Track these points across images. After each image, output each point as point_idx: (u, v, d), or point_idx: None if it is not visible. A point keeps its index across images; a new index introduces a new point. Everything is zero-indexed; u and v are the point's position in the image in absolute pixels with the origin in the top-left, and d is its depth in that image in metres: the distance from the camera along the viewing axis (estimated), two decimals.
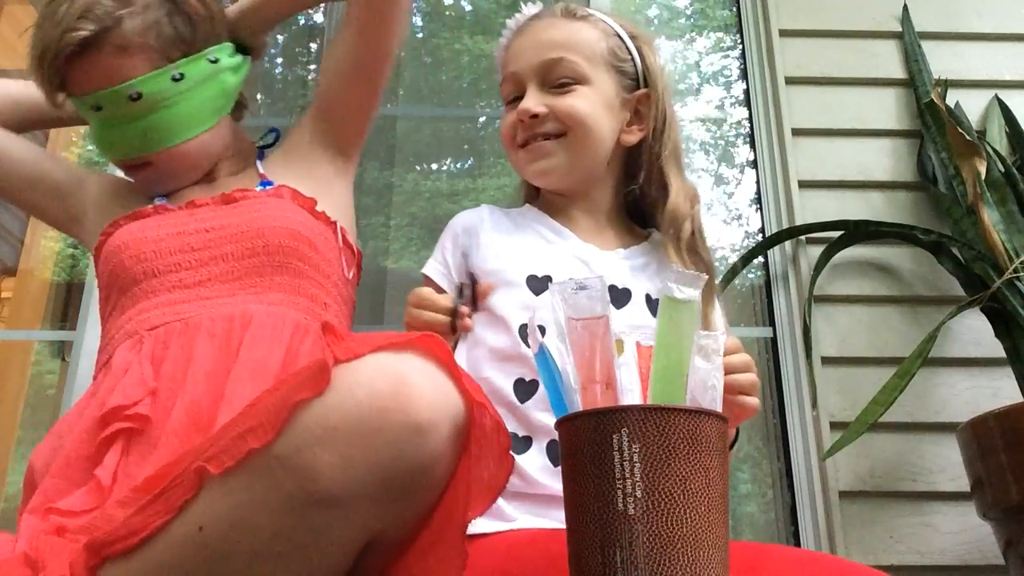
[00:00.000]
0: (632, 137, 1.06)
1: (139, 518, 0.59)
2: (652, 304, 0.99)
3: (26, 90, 1.14)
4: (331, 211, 1.07)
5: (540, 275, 0.98)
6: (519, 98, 1.04)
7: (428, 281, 1.05)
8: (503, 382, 0.92)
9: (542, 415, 0.91)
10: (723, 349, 0.63)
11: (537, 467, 0.88)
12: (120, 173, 1.15)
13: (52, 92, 1.02)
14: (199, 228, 1.01)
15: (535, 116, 1.02)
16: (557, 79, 1.03)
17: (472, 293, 0.93)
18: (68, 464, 0.87)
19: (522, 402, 0.92)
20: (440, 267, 1.05)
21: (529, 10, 1.10)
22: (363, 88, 1.12)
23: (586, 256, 1.02)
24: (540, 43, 1.04)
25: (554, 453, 0.90)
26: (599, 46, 1.05)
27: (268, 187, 1.06)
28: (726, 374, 0.69)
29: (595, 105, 1.03)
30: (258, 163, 1.13)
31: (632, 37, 1.08)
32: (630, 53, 1.07)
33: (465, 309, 0.89)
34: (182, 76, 1.03)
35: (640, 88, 1.07)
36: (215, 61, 1.07)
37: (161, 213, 1.05)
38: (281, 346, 0.93)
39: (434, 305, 0.89)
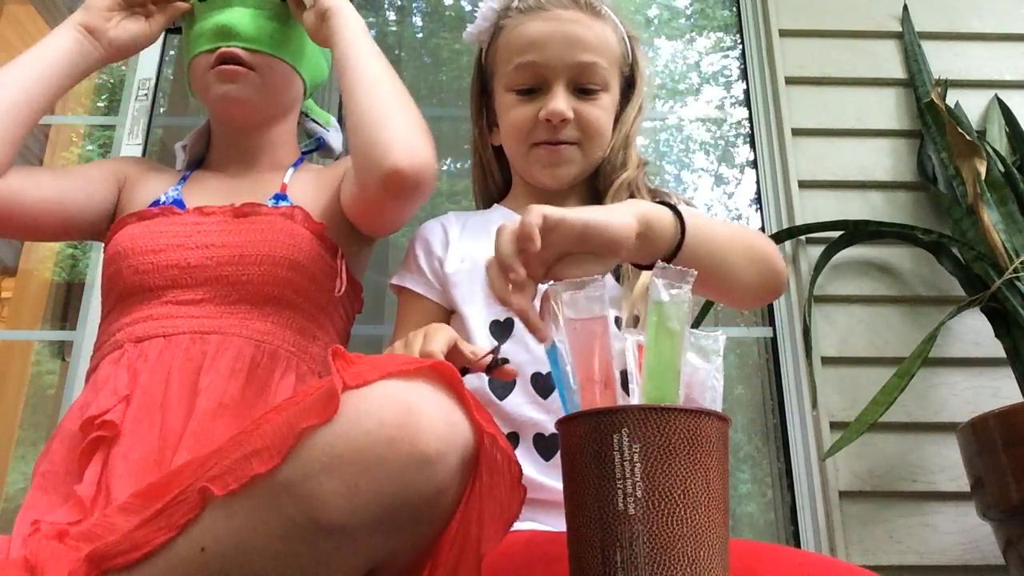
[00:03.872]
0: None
1: (141, 533, 0.58)
2: (616, 272, 0.97)
3: (25, 73, 1.02)
4: (340, 237, 1.06)
5: None
6: (534, 90, 1.02)
7: (403, 291, 1.04)
8: (478, 381, 0.91)
9: (525, 409, 0.90)
10: (722, 349, 0.63)
11: (527, 464, 0.86)
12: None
13: None
14: (200, 243, 1.00)
15: (564, 120, 1.00)
16: (585, 83, 1.01)
17: (493, 365, 0.76)
18: (53, 476, 0.90)
19: (500, 398, 0.91)
20: (416, 275, 1.04)
21: None
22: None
23: None
24: (571, 40, 1.00)
25: (542, 447, 0.89)
26: (617, 50, 1.04)
27: (282, 204, 1.05)
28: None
29: (608, 113, 1.03)
30: (291, 170, 1.12)
31: (629, 38, 1.08)
32: (629, 54, 1.07)
33: (508, 368, 0.75)
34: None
35: (627, 85, 1.07)
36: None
37: (167, 216, 1.04)
38: (250, 380, 0.94)
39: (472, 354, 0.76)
